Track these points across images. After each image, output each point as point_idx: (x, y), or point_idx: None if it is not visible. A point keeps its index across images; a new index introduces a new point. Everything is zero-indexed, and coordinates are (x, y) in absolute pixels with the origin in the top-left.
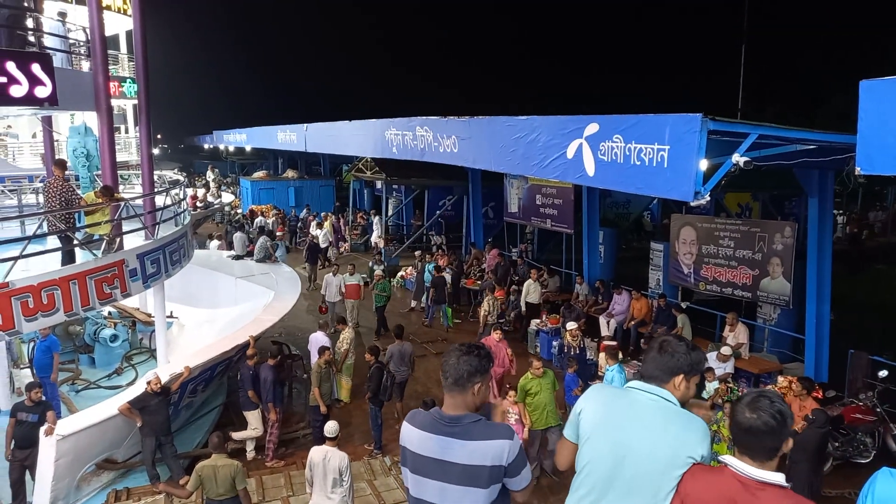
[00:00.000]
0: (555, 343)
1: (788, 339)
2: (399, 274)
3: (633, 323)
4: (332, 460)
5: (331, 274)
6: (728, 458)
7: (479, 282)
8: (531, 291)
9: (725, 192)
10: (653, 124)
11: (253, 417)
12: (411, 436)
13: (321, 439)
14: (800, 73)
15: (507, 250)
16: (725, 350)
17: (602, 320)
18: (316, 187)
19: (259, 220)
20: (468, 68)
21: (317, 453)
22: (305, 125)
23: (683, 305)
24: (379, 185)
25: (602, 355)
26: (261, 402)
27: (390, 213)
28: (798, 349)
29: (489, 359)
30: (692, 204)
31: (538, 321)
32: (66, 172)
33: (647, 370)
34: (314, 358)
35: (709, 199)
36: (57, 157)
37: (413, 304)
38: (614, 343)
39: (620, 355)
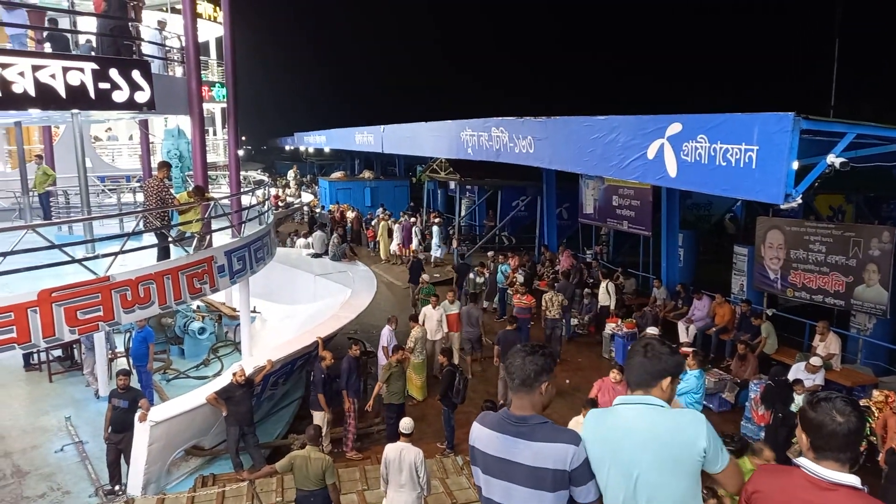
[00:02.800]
0: (630, 348)
1: (884, 350)
2: (471, 274)
3: (714, 329)
4: (406, 457)
5: (430, 306)
6: (801, 460)
7: (553, 284)
8: (606, 294)
9: (816, 194)
10: (740, 124)
11: (318, 418)
12: (480, 435)
13: (396, 436)
14: None
15: (582, 252)
16: (815, 361)
17: (681, 326)
18: (391, 188)
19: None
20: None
21: (392, 450)
22: (382, 127)
23: (769, 312)
24: (452, 185)
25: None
26: (328, 406)
27: (463, 213)
28: (895, 362)
29: (554, 358)
30: (782, 207)
31: (613, 325)
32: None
33: (634, 376)
34: (381, 353)
35: (800, 201)
36: (152, 158)
37: (485, 304)
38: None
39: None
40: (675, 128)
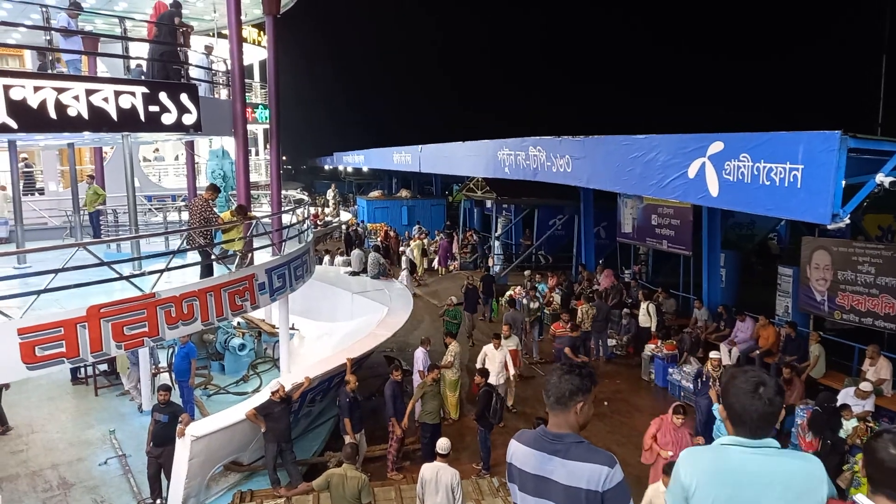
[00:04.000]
0: (671, 370)
1: None
2: (507, 293)
3: (757, 353)
4: (443, 477)
5: (491, 346)
6: (860, 497)
7: (590, 303)
8: (647, 315)
9: (864, 214)
10: (785, 142)
11: (350, 438)
12: (518, 452)
13: (432, 455)
14: None
15: (620, 272)
16: (865, 386)
17: (723, 348)
18: (427, 206)
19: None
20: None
21: (428, 470)
22: (420, 147)
23: (817, 335)
24: (489, 204)
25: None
26: (353, 431)
27: (499, 232)
28: None
29: (591, 378)
30: (829, 227)
31: (653, 346)
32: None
33: (750, 422)
34: (416, 374)
35: (848, 221)
36: (197, 178)
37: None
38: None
39: None
40: (716, 146)
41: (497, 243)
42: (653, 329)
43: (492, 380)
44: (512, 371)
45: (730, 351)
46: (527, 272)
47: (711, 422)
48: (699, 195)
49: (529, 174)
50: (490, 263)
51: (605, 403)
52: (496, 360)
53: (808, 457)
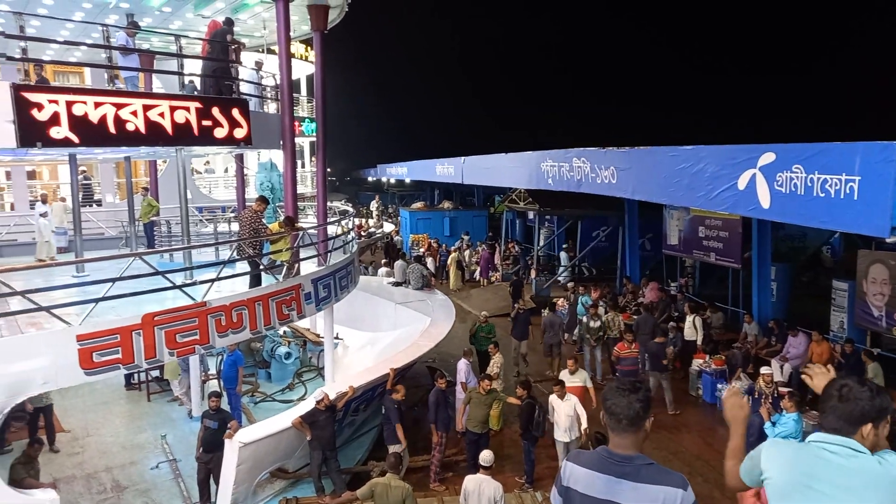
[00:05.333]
0: (720, 386)
1: None
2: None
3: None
4: (486, 490)
5: (554, 396)
6: None
7: (634, 316)
8: (693, 328)
9: None
10: (840, 153)
11: (393, 450)
12: (577, 475)
13: (475, 467)
14: None
15: (666, 284)
16: None
17: (775, 364)
18: (469, 217)
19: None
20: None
21: (471, 482)
22: (463, 158)
23: (874, 352)
24: (531, 215)
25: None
26: (396, 441)
27: (542, 243)
28: None
29: (651, 392)
30: (888, 240)
31: (701, 361)
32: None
33: (828, 422)
34: (458, 386)
35: None
36: (246, 190)
37: (565, 336)
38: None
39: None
40: (767, 157)
41: (564, 255)
42: (699, 343)
43: (561, 436)
44: (584, 425)
45: (781, 367)
46: (570, 284)
47: (762, 441)
48: (749, 207)
49: (573, 185)
50: (533, 275)
51: (651, 419)
52: (562, 412)
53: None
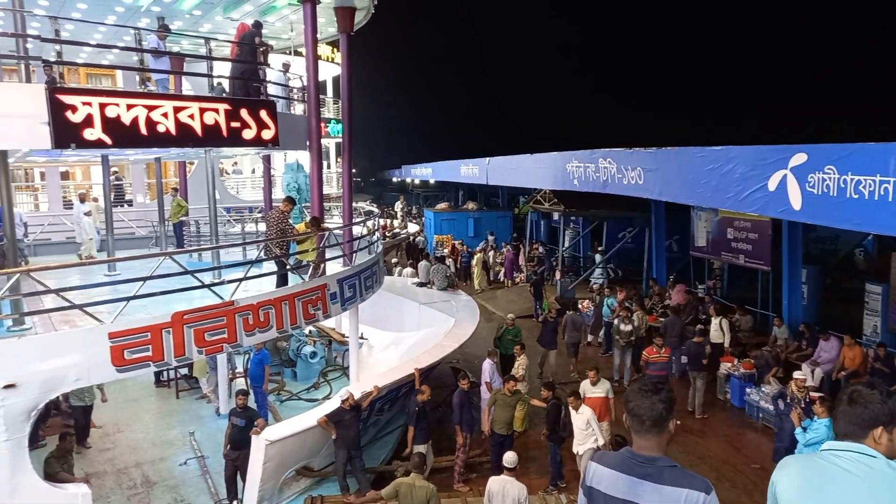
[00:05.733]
0: (749, 390)
1: None
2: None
3: (843, 374)
4: (510, 491)
5: (573, 410)
6: None
7: (660, 319)
8: (720, 331)
9: None
10: (874, 154)
11: (419, 449)
12: (601, 475)
13: (499, 469)
14: None
15: (693, 286)
16: None
17: (805, 368)
18: (494, 218)
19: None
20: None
21: (495, 483)
22: (487, 159)
23: None
24: (556, 216)
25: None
26: (421, 441)
27: (567, 244)
28: None
29: (673, 393)
30: None
31: (729, 365)
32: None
33: (839, 427)
34: (483, 386)
35: None
36: (273, 190)
37: (590, 338)
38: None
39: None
40: (799, 158)
41: (599, 256)
42: (726, 345)
43: (575, 447)
44: (601, 440)
45: (812, 371)
46: (595, 286)
47: (794, 447)
48: (780, 209)
49: (599, 186)
50: (558, 277)
51: (678, 423)
52: (576, 424)
53: None
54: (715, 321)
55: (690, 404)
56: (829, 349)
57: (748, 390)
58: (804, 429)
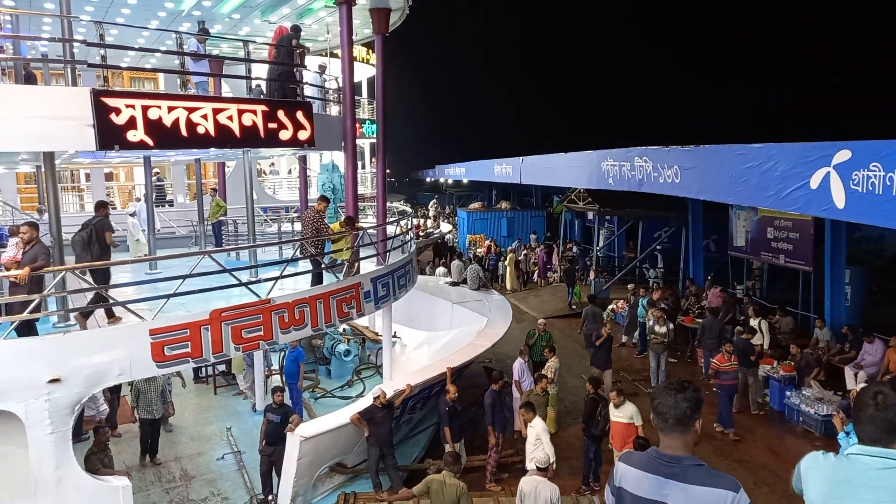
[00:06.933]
0: (789, 393)
1: None
2: (610, 307)
3: (888, 377)
4: (542, 491)
5: (525, 421)
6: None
7: (698, 320)
8: (759, 332)
9: None
10: None
11: (450, 447)
12: (627, 475)
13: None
14: None
15: (732, 287)
16: None
17: (848, 371)
18: (527, 218)
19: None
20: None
21: (527, 483)
22: (521, 158)
23: None
24: (590, 215)
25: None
26: (452, 440)
27: (601, 244)
28: None
29: (700, 392)
30: None
31: (769, 367)
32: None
33: (866, 432)
34: (514, 386)
35: None
36: (308, 190)
37: (624, 339)
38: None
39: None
40: (843, 155)
41: (660, 261)
42: (765, 346)
43: (527, 464)
44: (550, 458)
45: (856, 375)
46: (630, 286)
47: None
48: (823, 207)
49: (634, 185)
50: (592, 277)
51: (715, 426)
52: (529, 439)
53: None
54: (754, 322)
55: (742, 404)
56: (874, 352)
57: (788, 393)
58: (847, 433)
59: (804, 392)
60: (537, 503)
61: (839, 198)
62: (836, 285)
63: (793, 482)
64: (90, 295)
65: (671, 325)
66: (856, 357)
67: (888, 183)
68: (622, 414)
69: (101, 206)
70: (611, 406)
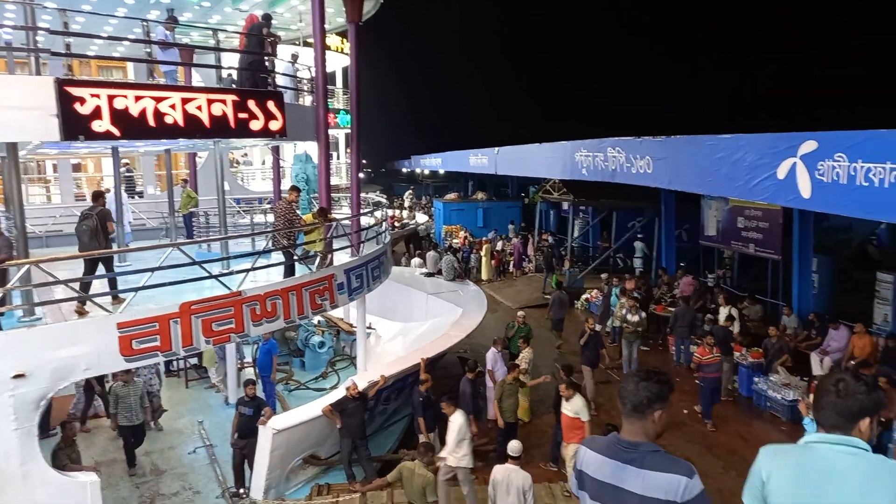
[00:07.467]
0: (756, 379)
1: None
2: (583, 297)
3: (852, 363)
4: (514, 480)
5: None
6: None
7: (670, 308)
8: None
9: None
10: (885, 141)
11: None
12: (589, 459)
13: (504, 457)
14: None
15: (703, 276)
16: None
17: (814, 357)
18: (503, 208)
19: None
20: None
21: (499, 472)
22: (496, 149)
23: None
24: (566, 206)
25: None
26: (426, 430)
27: (576, 234)
28: None
29: (670, 386)
30: None
31: (738, 353)
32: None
33: (826, 418)
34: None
35: None
36: (282, 181)
37: (598, 327)
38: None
39: None
40: (809, 146)
41: (639, 244)
42: (734, 333)
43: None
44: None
45: (821, 360)
46: (603, 275)
47: None
48: (789, 197)
49: (608, 176)
50: (567, 266)
51: (685, 411)
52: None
53: None
54: (724, 310)
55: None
56: (839, 338)
57: (756, 379)
58: (813, 419)
59: (771, 378)
60: (509, 491)
61: (805, 188)
62: (804, 274)
63: (744, 497)
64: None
65: (643, 314)
66: (821, 343)
67: (852, 173)
68: (570, 407)
69: (100, 196)
70: (563, 399)
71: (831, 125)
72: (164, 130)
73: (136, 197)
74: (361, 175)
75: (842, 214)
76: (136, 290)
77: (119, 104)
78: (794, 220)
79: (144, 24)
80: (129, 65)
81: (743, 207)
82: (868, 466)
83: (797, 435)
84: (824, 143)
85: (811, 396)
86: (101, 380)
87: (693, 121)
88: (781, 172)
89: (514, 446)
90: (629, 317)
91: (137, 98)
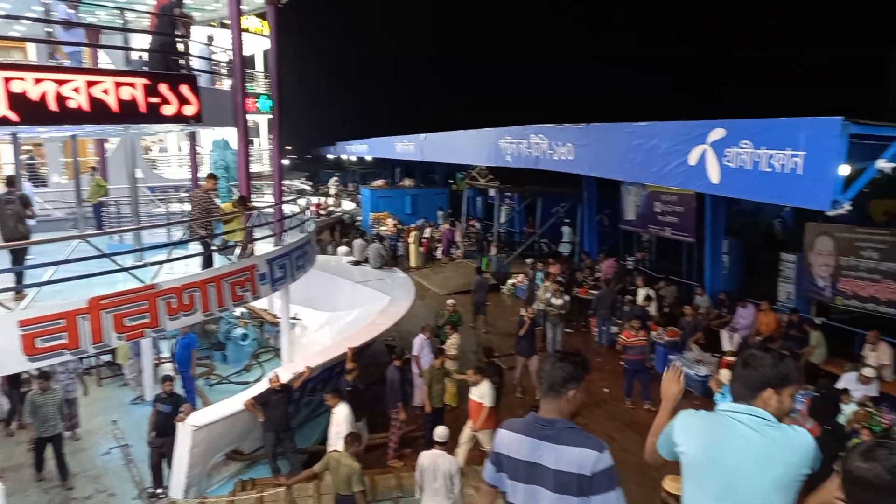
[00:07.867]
0: (671, 357)
1: None
2: (510, 282)
3: (758, 338)
4: (441, 465)
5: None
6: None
7: (592, 291)
8: (646, 301)
9: (869, 200)
10: (786, 129)
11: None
12: (507, 440)
13: (431, 443)
14: None
15: (623, 259)
16: (868, 371)
17: (724, 334)
18: (431, 195)
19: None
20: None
21: (426, 457)
22: (423, 135)
23: (818, 321)
24: (492, 192)
25: (724, 371)
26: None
27: (503, 220)
28: None
29: (585, 366)
30: (829, 213)
31: (655, 333)
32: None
33: (734, 389)
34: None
35: (849, 207)
36: (199, 169)
37: (523, 312)
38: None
39: None
40: (717, 133)
41: (567, 230)
42: (651, 313)
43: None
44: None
45: (731, 337)
46: (529, 260)
47: None
48: (700, 182)
49: (531, 162)
50: (493, 252)
51: (606, 390)
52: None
53: (798, 430)
54: (642, 291)
55: None
56: (747, 316)
57: (671, 357)
58: (723, 394)
59: (685, 355)
60: (436, 477)
61: (714, 173)
62: (716, 255)
63: (659, 443)
64: None
65: (567, 298)
66: (731, 321)
67: (756, 159)
68: (476, 393)
69: (13, 181)
70: (471, 391)
71: (756, 107)
72: (67, 116)
73: (40, 186)
74: (286, 162)
75: (748, 198)
76: (40, 284)
77: (16, 87)
78: (706, 205)
79: (44, 2)
80: (31, 47)
81: (660, 193)
82: (764, 437)
83: (709, 410)
84: (732, 130)
85: (721, 372)
86: (15, 381)
87: (611, 110)
88: (693, 159)
89: (440, 432)
90: (553, 300)
91: (37, 81)
